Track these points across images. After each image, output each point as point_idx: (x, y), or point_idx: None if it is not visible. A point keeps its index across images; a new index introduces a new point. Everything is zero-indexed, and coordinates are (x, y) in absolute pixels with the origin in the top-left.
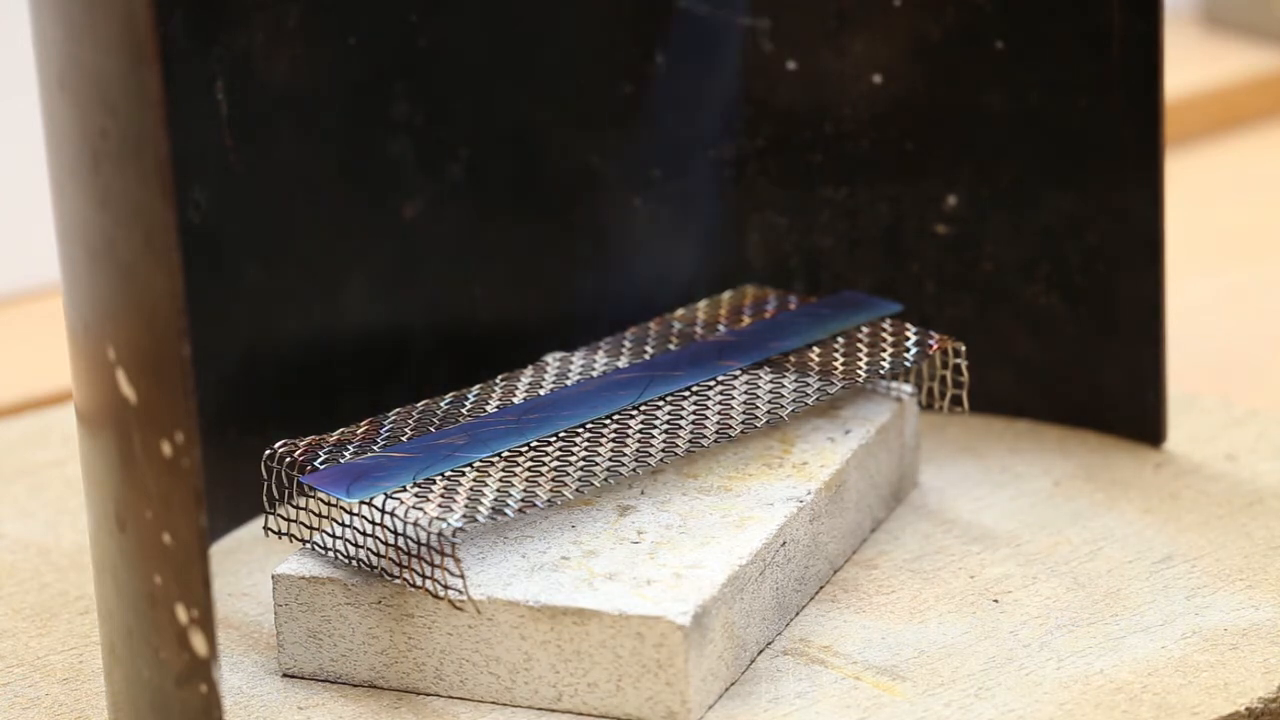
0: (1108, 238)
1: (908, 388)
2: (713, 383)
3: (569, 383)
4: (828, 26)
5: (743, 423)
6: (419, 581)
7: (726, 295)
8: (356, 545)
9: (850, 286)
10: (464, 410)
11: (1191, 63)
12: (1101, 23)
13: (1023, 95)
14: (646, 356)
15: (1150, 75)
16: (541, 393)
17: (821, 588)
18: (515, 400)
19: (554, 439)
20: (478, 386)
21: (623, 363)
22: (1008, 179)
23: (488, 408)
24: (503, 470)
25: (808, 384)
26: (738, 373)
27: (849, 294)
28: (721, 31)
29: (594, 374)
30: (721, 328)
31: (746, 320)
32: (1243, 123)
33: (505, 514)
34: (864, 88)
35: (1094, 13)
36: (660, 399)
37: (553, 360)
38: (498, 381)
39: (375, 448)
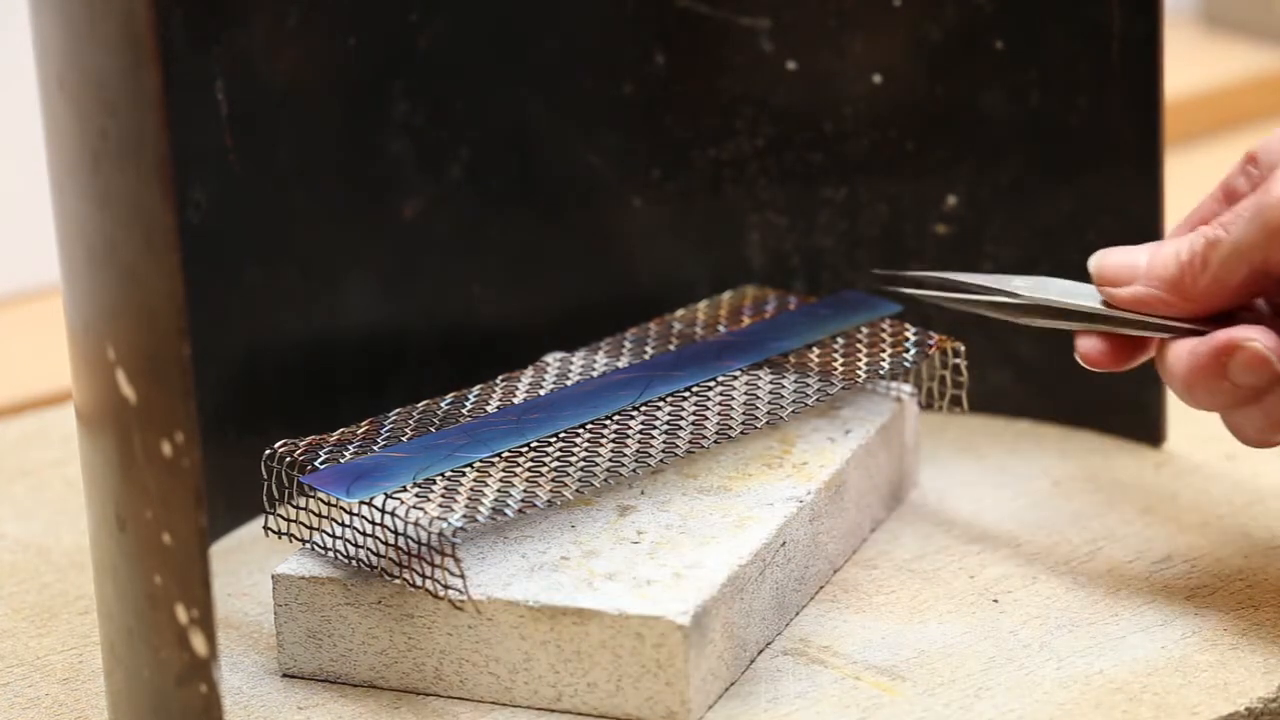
0: (1108, 237)
1: (907, 388)
2: (712, 383)
3: (569, 383)
4: (828, 26)
5: (743, 423)
6: (419, 581)
7: (726, 296)
8: (356, 545)
9: (850, 286)
10: (464, 410)
11: (1191, 63)
12: (1101, 23)
13: (1023, 95)
14: (646, 357)
15: (1150, 75)
16: (541, 393)
17: (821, 588)
18: (516, 400)
19: (554, 439)
20: (478, 387)
21: (623, 363)
22: (1008, 179)
23: (488, 408)
24: (503, 470)
25: (807, 384)
26: (737, 373)
27: (849, 294)
28: (721, 31)
29: (594, 374)
30: (722, 328)
31: (746, 320)
32: (1243, 123)
33: (505, 514)
34: (864, 88)
35: (1094, 13)
36: (660, 399)
37: (553, 360)
38: (498, 382)
39: (375, 447)
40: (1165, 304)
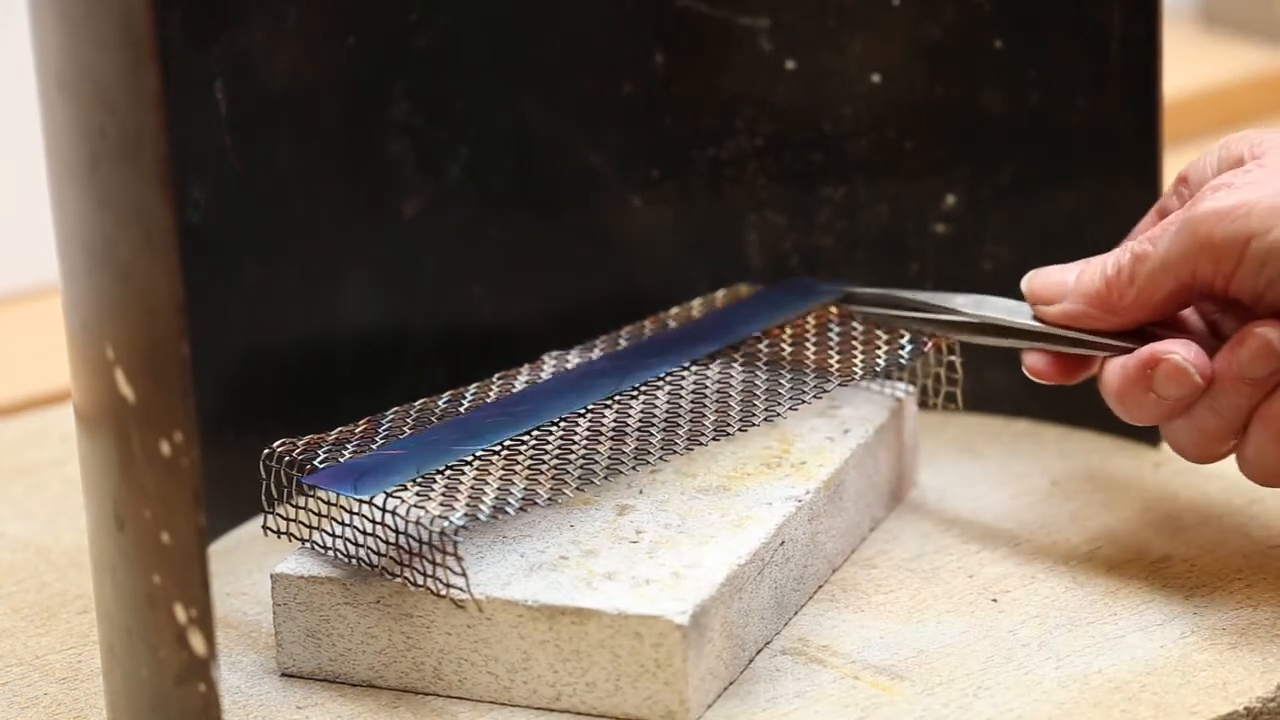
0: (1107, 237)
1: (905, 386)
2: (710, 380)
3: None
4: (827, 26)
5: (740, 420)
6: (420, 580)
7: (720, 294)
8: (356, 544)
9: (850, 286)
10: (461, 409)
11: (1191, 62)
12: (1101, 22)
13: (1022, 95)
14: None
15: (1149, 75)
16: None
17: (820, 587)
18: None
19: (552, 435)
20: (474, 385)
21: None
22: (1007, 178)
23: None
24: (503, 468)
25: (804, 381)
26: (734, 370)
27: (798, 280)
28: (721, 31)
29: (578, 385)
30: None
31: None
32: (1242, 123)
33: (507, 512)
34: (864, 87)
35: (1093, 13)
36: (657, 395)
37: (550, 359)
38: (494, 380)
39: (373, 446)
40: (1093, 319)
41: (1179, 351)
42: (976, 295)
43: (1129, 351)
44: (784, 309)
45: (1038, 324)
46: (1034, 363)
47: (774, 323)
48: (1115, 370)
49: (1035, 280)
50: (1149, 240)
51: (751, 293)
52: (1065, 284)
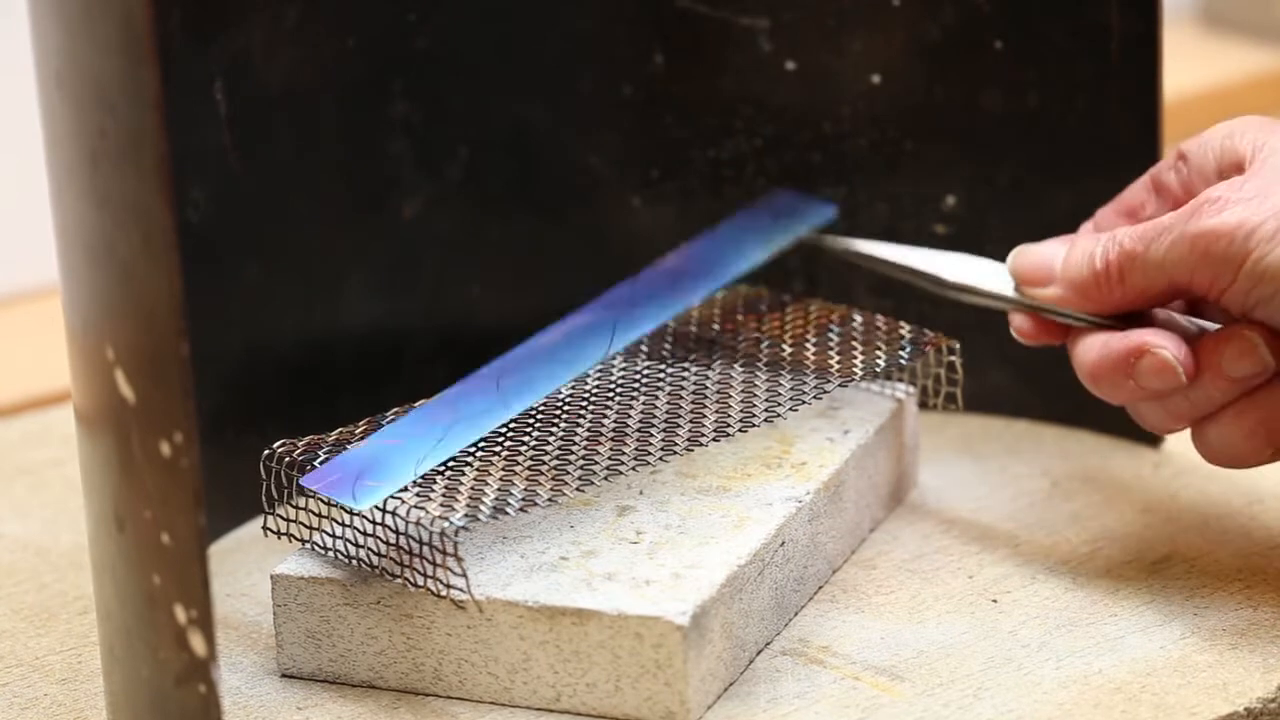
0: None
1: (905, 386)
2: (710, 380)
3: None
4: (827, 26)
5: (741, 421)
6: (420, 581)
7: (719, 294)
8: (357, 545)
9: (850, 286)
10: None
11: (1191, 62)
12: (1101, 22)
13: (1022, 95)
14: (619, 337)
15: (1149, 75)
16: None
17: (820, 588)
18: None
19: (553, 437)
20: None
21: (616, 361)
22: (1007, 179)
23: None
24: (503, 469)
25: (805, 382)
26: (734, 370)
27: (783, 195)
28: (721, 31)
29: (568, 344)
30: (715, 326)
31: (740, 317)
32: None
33: (507, 513)
34: (863, 88)
35: (1093, 12)
36: (657, 395)
37: None
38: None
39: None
40: (1078, 305)
41: (1168, 347)
42: (966, 256)
43: (1113, 329)
44: (771, 233)
45: (1023, 296)
46: (1020, 324)
47: (762, 251)
48: (1095, 347)
49: (1021, 260)
50: (1140, 239)
51: (736, 213)
52: (1052, 268)
